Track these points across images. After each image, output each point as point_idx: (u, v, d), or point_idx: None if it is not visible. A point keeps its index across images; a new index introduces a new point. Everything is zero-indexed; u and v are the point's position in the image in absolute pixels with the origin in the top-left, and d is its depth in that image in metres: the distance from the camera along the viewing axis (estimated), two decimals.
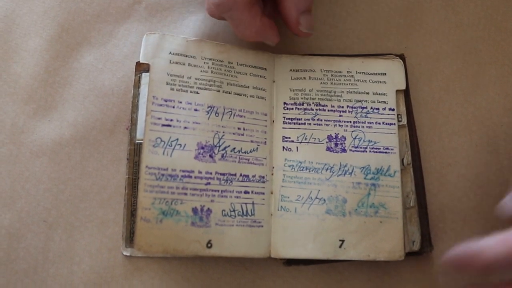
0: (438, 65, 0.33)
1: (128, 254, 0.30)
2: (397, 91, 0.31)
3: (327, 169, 0.30)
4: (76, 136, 0.32)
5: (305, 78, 0.31)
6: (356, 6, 0.34)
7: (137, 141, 0.31)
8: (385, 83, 0.31)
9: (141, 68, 0.32)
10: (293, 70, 0.32)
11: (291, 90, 0.31)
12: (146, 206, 0.27)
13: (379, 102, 0.31)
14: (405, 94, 0.32)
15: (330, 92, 0.31)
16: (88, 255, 0.30)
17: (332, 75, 0.31)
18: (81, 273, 0.30)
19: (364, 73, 0.31)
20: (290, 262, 0.29)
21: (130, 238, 0.30)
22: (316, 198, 0.29)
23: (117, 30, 0.35)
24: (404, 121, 0.31)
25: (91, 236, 0.30)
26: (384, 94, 0.31)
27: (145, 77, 0.31)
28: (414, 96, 0.32)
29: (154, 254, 0.29)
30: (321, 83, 0.31)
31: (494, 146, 0.31)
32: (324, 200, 0.29)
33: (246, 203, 0.29)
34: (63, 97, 0.33)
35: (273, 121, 0.31)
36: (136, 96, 0.32)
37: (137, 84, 0.32)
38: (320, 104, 0.31)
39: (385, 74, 0.31)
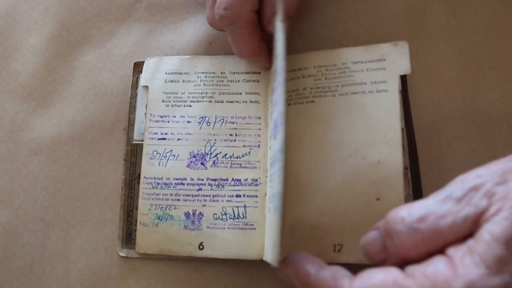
0: (438, 70, 0.32)
1: (124, 255, 0.30)
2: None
3: None
4: (75, 134, 0.32)
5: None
6: (357, 9, 0.34)
7: (134, 142, 0.31)
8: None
9: (139, 69, 0.32)
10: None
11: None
12: (144, 212, 0.30)
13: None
14: (404, 97, 0.31)
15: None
16: (85, 254, 0.30)
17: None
18: (77, 271, 0.30)
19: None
20: None
21: (126, 239, 0.30)
22: None
23: (117, 29, 0.35)
24: (403, 124, 0.31)
25: (88, 235, 0.30)
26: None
27: (143, 78, 0.32)
28: (413, 100, 0.32)
29: (152, 255, 0.30)
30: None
31: (493, 151, 0.31)
32: None
33: (237, 207, 0.29)
34: (62, 96, 0.33)
35: (268, 123, 0.31)
36: (133, 97, 0.32)
37: (134, 85, 0.32)
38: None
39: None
